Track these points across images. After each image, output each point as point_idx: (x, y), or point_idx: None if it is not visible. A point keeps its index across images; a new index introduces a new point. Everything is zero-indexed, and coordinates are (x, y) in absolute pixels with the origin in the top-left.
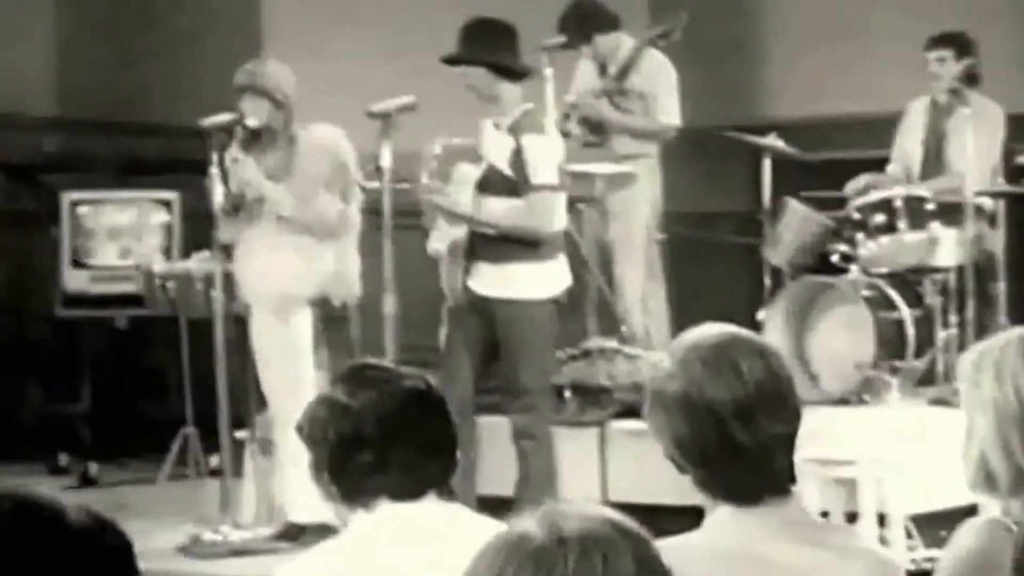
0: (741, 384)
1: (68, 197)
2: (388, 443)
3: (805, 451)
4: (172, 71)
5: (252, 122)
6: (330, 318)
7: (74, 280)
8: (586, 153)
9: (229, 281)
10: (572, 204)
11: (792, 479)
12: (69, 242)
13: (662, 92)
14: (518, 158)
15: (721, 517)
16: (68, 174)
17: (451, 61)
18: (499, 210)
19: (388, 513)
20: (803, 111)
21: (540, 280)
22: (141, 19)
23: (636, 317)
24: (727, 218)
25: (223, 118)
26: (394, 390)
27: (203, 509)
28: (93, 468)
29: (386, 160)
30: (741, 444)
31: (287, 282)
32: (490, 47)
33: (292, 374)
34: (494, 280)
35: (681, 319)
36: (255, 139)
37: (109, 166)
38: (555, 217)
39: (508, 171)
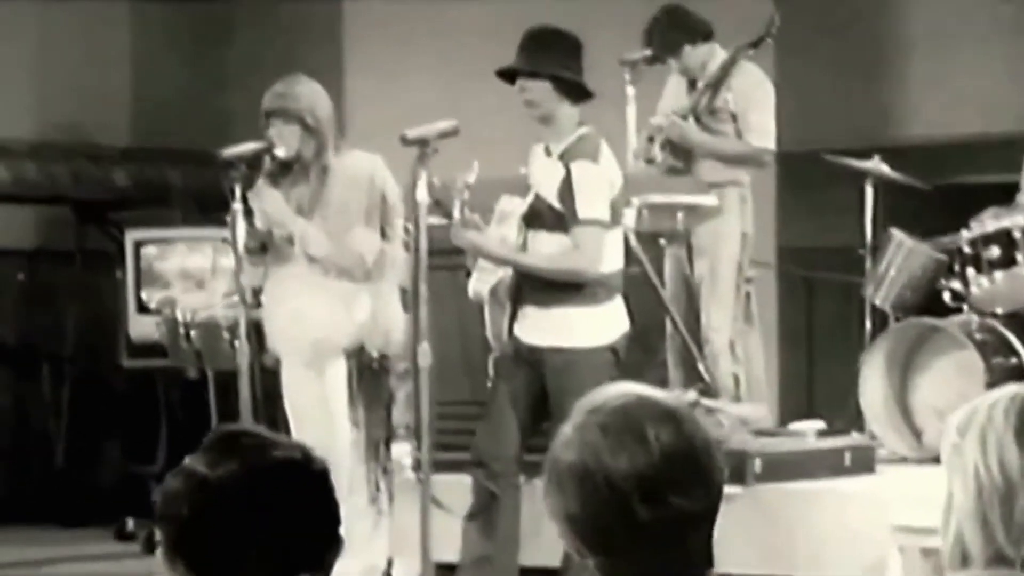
0: (646, 453)
1: (132, 236)
2: (251, 521)
3: (892, 517)
4: (253, 97)
5: (281, 151)
6: (367, 370)
7: (140, 327)
8: (668, 182)
9: (257, 329)
10: (653, 239)
11: (709, 562)
12: (134, 285)
13: (756, 111)
14: (567, 188)
15: None
16: (140, 210)
17: (511, 73)
18: (544, 250)
19: None
20: (921, 132)
21: (594, 326)
22: (220, 43)
23: (724, 365)
24: (829, 253)
25: (248, 147)
26: (262, 460)
27: None
28: (158, 533)
29: (422, 192)
30: (646, 524)
31: (321, 330)
32: (556, 60)
33: (326, 432)
34: (542, 327)
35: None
36: (285, 170)
37: (184, 201)
38: (602, 256)
39: (556, 203)
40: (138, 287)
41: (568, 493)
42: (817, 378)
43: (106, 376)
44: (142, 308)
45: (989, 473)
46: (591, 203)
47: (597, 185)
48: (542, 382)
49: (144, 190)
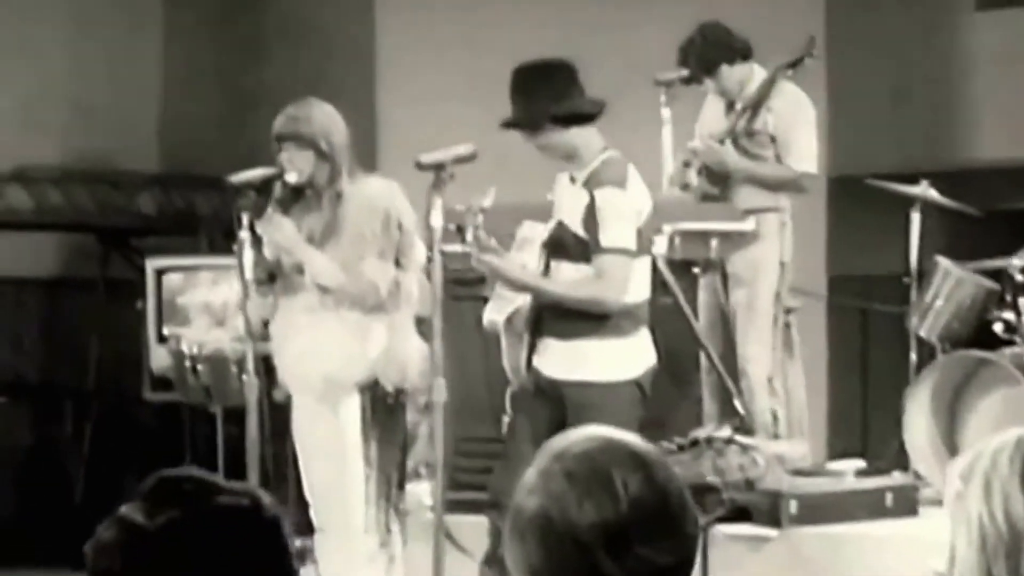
0: (613, 503)
1: (153, 264)
2: (192, 574)
3: (935, 563)
4: None
5: (292, 177)
6: (381, 405)
7: (161, 359)
8: (701, 208)
9: (267, 363)
10: (686, 267)
11: None
12: (155, 315)
13: (797, 133)
14: (591, 215)
15: None
16: (166, 238)
17: (512, 125)
18: (565, 278)
19: None
20: (979, 156)
21: (618, 359)
22: (250, 67)
23: (761, 400)
24: (882, 282)
25: (257, 173)
26: (205, 508)
27: None
28: None
29: (437, 219)
30: None
31: (332, 364)
32: (550, 96)
33: (337, 471)
34: (563, 359)
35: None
36: (296, 197)
37: (211, 229)
38: (627, 287)
39: (580, 231)
40: (159, 317)
41: (530, 544)
42: (871, 413)
43: (130, 410)
44: (163, 339)
45: (994, 523)
46: (616, 231)
47: (622, 212)
48: (563, 417)
49: (170, 218)
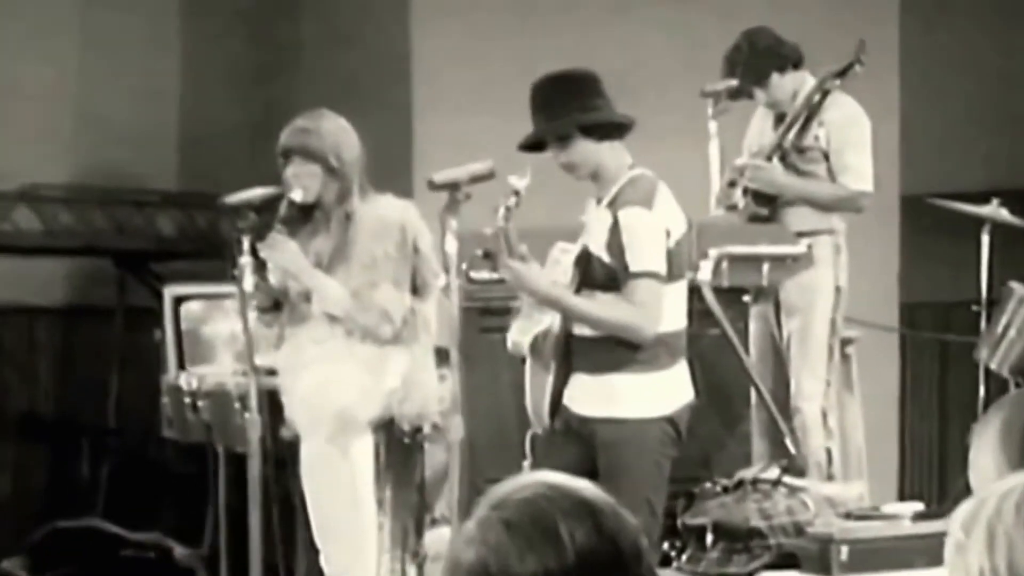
0: (558, 555)
1: (172, 292)
2: None
3: None
4: None
5: (297, 195)
6: (397, 445)
7: None
8: (750, 230)
9: (272, 399)
10: (735, 295)
11: None
12: (174, 346)
13: (850, 148)
14: (615, 238)
15: None
16: (188, 262)
17: (533, 146)
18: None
19: None
20: None
21: (651, 394)
22: (279, 78)
23: (815, 438)
24: (960, 309)
25: (257, 192)
26: (103, 563)
27: None
28: None
29: (452, 244)
30: None
31: (344, 400)
32: (576, 106)
33: (349, 517)
34: (594, 395)
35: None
36: (304, 217)
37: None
38: (660, 313)
39: (605, 255)
40: (179, 348)
41: None
42: (948, 452)
43: (151, 449)
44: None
45: None
46: (643, 253)
47: (649, 234)
48: (593, 459)
49: (192, 240)
